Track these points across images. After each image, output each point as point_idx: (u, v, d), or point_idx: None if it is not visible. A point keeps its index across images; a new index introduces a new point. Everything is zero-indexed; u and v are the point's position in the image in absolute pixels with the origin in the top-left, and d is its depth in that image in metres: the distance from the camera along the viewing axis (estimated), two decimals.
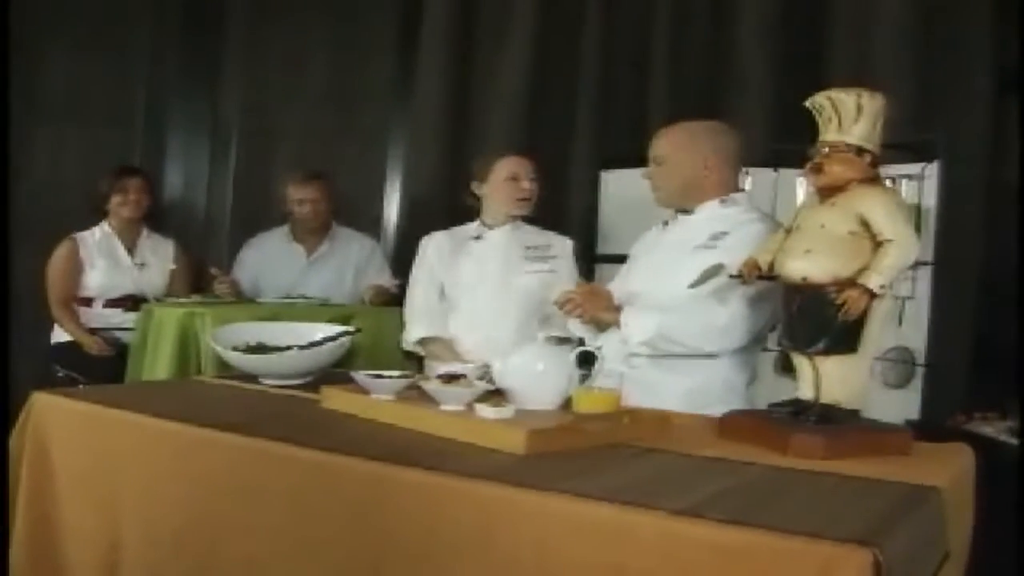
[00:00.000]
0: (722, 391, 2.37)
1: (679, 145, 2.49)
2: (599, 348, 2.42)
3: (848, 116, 1.73)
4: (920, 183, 2.93)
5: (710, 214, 2.48)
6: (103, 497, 1.87)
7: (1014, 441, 2.57)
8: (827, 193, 1.76)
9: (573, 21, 3.89)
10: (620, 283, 2.65)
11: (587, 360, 1.99)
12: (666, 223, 2.64)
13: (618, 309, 2.42)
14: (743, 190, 2.61)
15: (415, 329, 3.09)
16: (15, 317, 3.87)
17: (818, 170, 1.75)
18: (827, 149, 1.75)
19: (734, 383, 2.41)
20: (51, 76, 4.41)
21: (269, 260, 3.87)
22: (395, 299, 3.74)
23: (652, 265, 2.51)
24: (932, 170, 2.92)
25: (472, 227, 3.16)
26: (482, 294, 3.05)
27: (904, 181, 2.96)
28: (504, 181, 3.06)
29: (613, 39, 3.83)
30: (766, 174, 3.25)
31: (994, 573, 2.10)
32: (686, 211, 2.55)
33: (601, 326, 2.49)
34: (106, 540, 1.84)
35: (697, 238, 2.43)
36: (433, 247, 3.17)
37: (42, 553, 1.94)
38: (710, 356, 2.36)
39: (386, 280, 3.85)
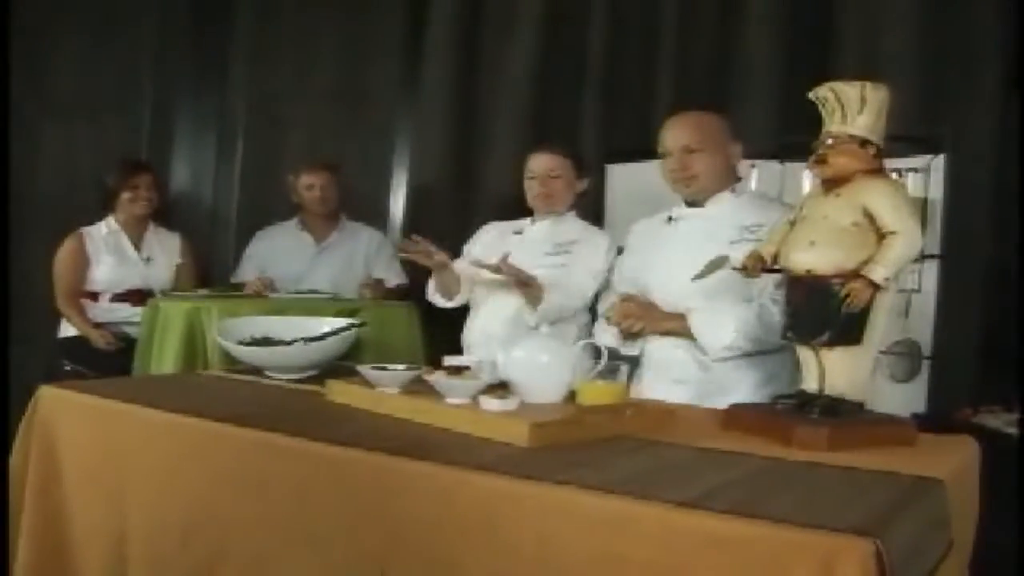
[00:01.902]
0: (784, 382, 2.40)
1: (714, 132, 2.51)
2: (639, 353, 2.53)
3: (852, 108, 1.73)
4: (927, 176, 2.93)
5: (731, 205, 2.51)
6: (110, 490, 1.88)
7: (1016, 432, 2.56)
8: (831, 185, 1.75)
9: (579, 15, 3.88)
10: (623, 280, 2.69)
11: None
12: (671, 218, 2.64)
13: (673, 317, 2.46)
14: (740, 179, 2.65)
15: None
16: (27, 311, 3.90)
17: (822, 162, 1.75)
18: (831, 141, 1.75)
19: (791, 372, 2.42)
20: (60, 71, 4.41)
21: (278, 250, 3.90)
22: (393, 294, 3.75)
23: (683, 262, 2.42)
24: (939, 163, 2.91)
25: (524, 221, 3.15)
26: (486, 285, 3.05)
27: (911, 174, 2.95)
28: (525, 179, 3.07)
29: (619, 33, 3.82)
30: (772, 167, 3.24)
31: (1000, 564, 2.10)
32: (694, 204, 2.57)
33: (637, 334, 2.53)
34: (114, 533, 1.86)
35: (727, 231, 2.44)
36: (483, 232, 3.23)
37: (50, 546, 1.95)
38: (780, 350, 2.38)
39: (393, 275, 3.87)
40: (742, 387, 2.41)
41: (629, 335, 2.55)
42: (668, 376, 2.48)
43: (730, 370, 2.43)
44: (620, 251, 2.89)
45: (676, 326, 2.45)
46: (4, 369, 2.92)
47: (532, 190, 3.04)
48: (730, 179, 2.56)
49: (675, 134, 2.52)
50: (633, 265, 2.69)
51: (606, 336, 2.60)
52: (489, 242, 3.15)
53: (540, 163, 3.03)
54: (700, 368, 2.45)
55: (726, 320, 2.39)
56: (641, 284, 2.60)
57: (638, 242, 2.73)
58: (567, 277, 2.91)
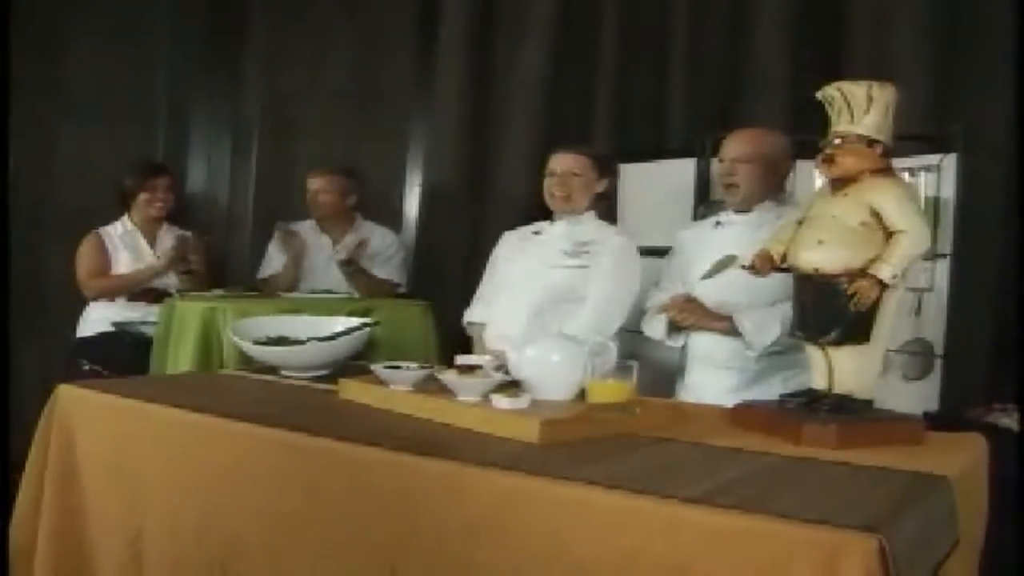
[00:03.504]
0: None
1: (764, 149, 2.71)
2: (683, 346, 2.78)
3: (859, 107, 1.74)
4: (939, 174, 2.92)
5: (773, 213, 2.66)
6: (127, 487, 1.90)
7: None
8: (839, 184, 1.76)
9: (591, 14, 3.89)
10: (671, 279, 2.84)
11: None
12: (719, 223, 2.79)
13: (721, 318, 2.64)
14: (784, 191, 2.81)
15: (470, 311, 3.17)
16: (45, 310, 3.94)
17: (829, 161, 1.76)
18: (838, 140, 1.76)
19: None
20: (76, 73, 4.44)
21: None
22: (380, 284, 3.79)
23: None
24: (950, 161, 2.91)
25: (543, 223, 3.12)
26: (508, 286, 3.04)
27: (923, 172, 2.94)
28: (545, 177, 3.04)
29: (632, 32, 3.83)
30: None
31: (1011, 561, 2.10)
32: (741, 211, 2.73)
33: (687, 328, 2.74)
34: (130, 529, 1.88)
35: (767, 235, 2.46)
36: (503, 241, 3.22)
37: (68, 543, 1.98)
38: None
39: (386, 273, 3.89)
40: (772, 379, 2.55)
41: (675, 328, 2.76)
42: (715, 363, 2.69)
43: (775, 358, 2.59)
44: (653, 252, 2.97)
45: (724, 327, 2.64)
46: (4, 374, 2.94)
47: (550, 189, 3.01)
48: (776, 191, 2.75)
49: (729, 146, 2.75)
50: (681, 266, 2.85)
51: (653, 328, 2.80)
52: (511, 248, 3.15)
53: (560, 162, 3.01)
54: (744, 357, 2.63)
55: (771, 319, 2.54)
56: (688, 283, 2.77)
57: (686, 245, 2.87)
58: (586, 286, 2.89)
